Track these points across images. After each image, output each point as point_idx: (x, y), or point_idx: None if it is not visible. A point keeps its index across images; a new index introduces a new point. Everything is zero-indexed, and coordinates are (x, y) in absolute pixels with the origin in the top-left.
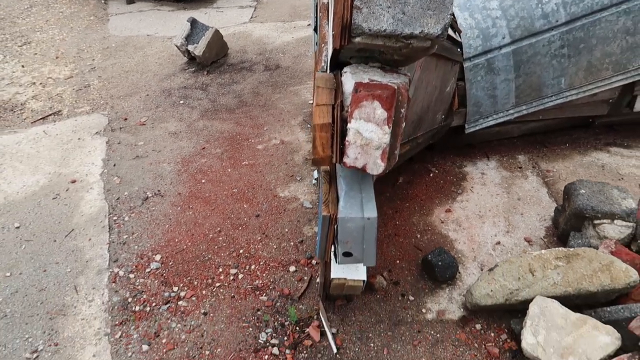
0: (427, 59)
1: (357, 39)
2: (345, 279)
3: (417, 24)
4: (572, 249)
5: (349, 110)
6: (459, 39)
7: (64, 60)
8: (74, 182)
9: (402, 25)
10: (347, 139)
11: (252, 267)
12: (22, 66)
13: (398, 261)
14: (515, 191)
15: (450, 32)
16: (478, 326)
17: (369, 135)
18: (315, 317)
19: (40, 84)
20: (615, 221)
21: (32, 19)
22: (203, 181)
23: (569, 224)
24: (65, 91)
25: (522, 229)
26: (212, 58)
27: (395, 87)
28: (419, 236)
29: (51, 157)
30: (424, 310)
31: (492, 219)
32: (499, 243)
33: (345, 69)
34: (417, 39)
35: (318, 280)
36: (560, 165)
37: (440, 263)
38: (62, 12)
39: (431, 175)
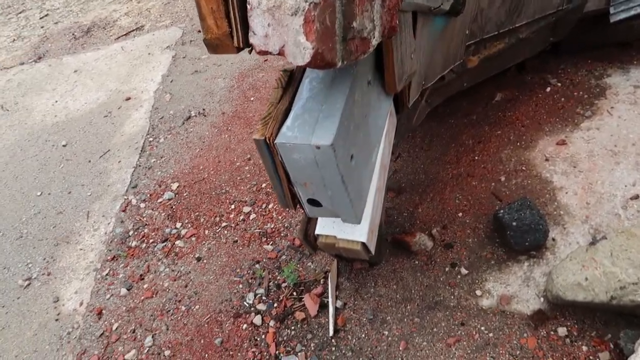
0: None
1: None
2: (334, 237)
3: None
4: None
5: None
6: None
7: None
8: (128, 99)
9: None
10: None
11: (270, 206)
12: None
13: (461, 214)
14: None
15: None
16: (562, 330)
17: None
18: (322, 281)
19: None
20: None
21: None
22: (252, 99)
23: None
24: (155, 5)
25: None
26: None
27: None
28: (503, 179)
29: (119, 73)
30: (478, 292)
31: (634, 157)
32: (636, 197)
33: None
34: None
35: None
36: None
37: (515, 224)
38: None
39: (548, 90)
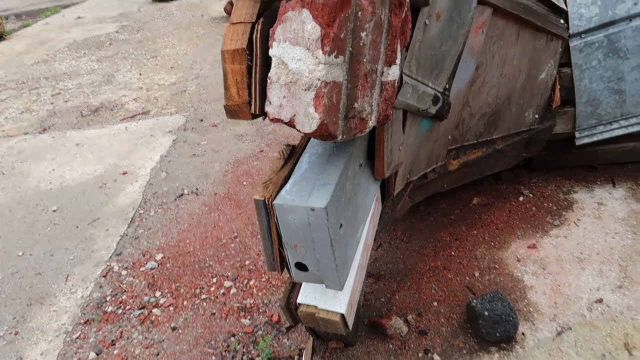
0: (499, 22)
1: None
2: (315, 307)
3: None
4: None
5: (273, 28)
6: (561, 5)
7: (175, 70)
8: (124, 174)
9: None
10: (269, 74)
11: (251, 282)
12: (140, 74)
13: (436, 303)
14: None
15: None
16: None
17: (296, 66)
18: (296, 358)
19: (147, 88)
20: None
21: (169, 39)
22: (244, 183)
23: None
24: (163, 95)
25: None
26: None
27: None
28: (477, 274)
29: (119, 150)
30: None
31: (598, 265)
32: (600, 301)
33: None
34: None
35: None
36: None
37: (487, 313)
38: (196, 33)
39: (521, 199)
